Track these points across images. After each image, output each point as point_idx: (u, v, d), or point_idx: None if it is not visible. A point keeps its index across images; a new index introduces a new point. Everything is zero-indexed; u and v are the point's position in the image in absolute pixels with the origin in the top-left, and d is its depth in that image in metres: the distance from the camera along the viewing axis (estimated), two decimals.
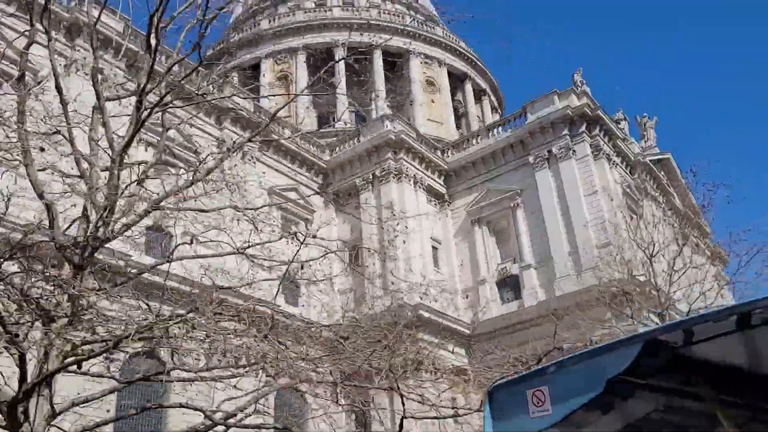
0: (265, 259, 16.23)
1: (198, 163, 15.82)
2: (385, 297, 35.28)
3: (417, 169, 39.49)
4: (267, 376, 31.27)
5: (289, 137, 35.94)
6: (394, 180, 37.82)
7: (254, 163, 35.35)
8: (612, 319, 32.17)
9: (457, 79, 61.93)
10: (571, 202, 35.91)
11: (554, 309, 33.61)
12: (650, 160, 46.18)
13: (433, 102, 57.27)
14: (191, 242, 13.61)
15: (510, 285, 37.39)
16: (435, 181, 40.83)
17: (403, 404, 17.48)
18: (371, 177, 38.70)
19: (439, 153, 42.21)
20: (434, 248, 39.06)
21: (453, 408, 22.63)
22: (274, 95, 51.71)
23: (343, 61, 56.40)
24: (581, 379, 3.53)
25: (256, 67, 58.00)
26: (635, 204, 41.62)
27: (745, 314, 3.10)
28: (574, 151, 37.32)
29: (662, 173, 49.22)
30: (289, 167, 38.41)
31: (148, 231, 28.86)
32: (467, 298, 37.78)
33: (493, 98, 64.78)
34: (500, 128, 40.94)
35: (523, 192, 38.17)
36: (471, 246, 39.20)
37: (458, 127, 59.11)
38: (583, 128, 37.62)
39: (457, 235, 40.25)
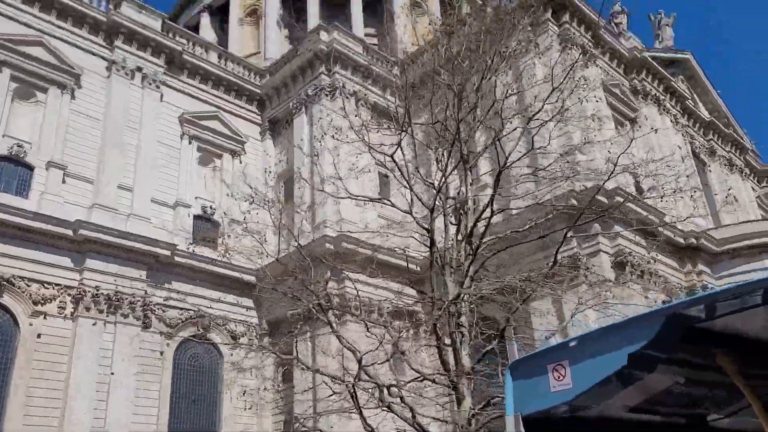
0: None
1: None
2: (315, 231, 30.33)
3: (359, 85, 33.93)
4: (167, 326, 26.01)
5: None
6: (327, 98, 32.43)
7: (157, 86, 30.75)
8: (573, 238, 25.92)
9: None
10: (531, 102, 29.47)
11: (509, 231, 27.81)
12: (663, 60, 38.61)
13: (419, 24, 50.98)
14: None
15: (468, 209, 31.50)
16: (387, 99, 35.12)
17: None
18: (305, 97, 33.47)
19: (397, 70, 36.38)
20: (385, 176, 33.57)
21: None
22: None
23: None
24: (602, 353, 3.41)
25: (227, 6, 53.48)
26: (631, 110, 34.52)
27: None
28: (536, 44, 30.68)
29: (681, 78, 41.46)
30: (212, 94, 33.64)
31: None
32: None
33: None
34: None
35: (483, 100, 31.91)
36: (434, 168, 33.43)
37: None
38: (548, 16, 30.94)
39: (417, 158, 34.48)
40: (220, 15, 54.41)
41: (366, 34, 50.59)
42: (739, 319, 3.08)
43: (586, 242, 25.72)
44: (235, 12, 52.00)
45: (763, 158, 50.78)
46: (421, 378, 14.47)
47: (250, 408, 28.37)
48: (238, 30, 51.54)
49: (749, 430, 4.34)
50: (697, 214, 33.23)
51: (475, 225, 15.32)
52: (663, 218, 28.44)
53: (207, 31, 53.38)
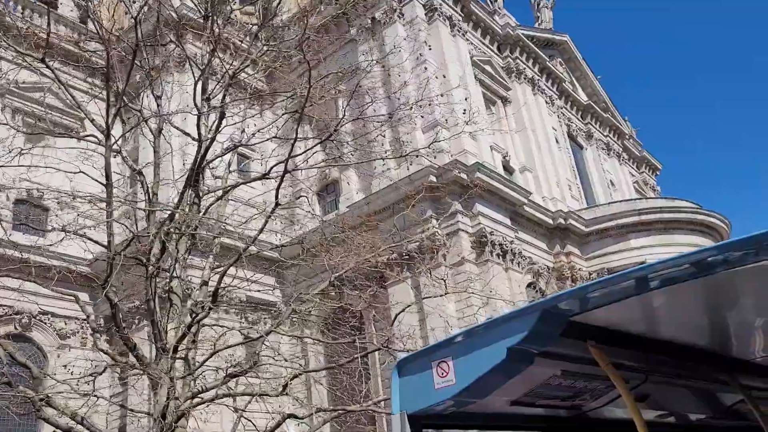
0: None
1: None
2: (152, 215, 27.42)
3: (217, 59, 31.15)
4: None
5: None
6: (175, 69, 29.48)
7: None
8: (433, 218, 24.33)
9: None
10: (395, 77, 27.73)
11: (373, 212, 25.99)
12: (540, 41, 37.87)
13: None
14: None
15: (331, 192, 29.54)
16: (249, 75, 32.52)
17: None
18: (152, 69, 30.30)
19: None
20: (245, 156, 31.00)
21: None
22: None
23: None
24: (484, 348, 3.53)
25: None
26: (503, 89, 33.42)
27: (642, 278, 3.03)
28: (401, 13, 29.02)
29: (559, 61, 41.02)
30: (46, 63, 29.90)
31: None
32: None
33: None
34: (322, 5, 32.39)
35: (346, 74, 29.93)
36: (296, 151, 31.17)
37: None
38: None
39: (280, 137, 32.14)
40: None
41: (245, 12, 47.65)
42: (613, 309, 3.11)
43: (446, 222, 24.13)
44: None
45: (644, 145, 51.54)
46: (112, 363, 12.18)
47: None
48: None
49: (621, 418, 4.40)
50: (569, 196, 32.57)
51: (200, 161, 12.94)
52: (529, 197, 27.36)
53: (68, 4, 48.70)
